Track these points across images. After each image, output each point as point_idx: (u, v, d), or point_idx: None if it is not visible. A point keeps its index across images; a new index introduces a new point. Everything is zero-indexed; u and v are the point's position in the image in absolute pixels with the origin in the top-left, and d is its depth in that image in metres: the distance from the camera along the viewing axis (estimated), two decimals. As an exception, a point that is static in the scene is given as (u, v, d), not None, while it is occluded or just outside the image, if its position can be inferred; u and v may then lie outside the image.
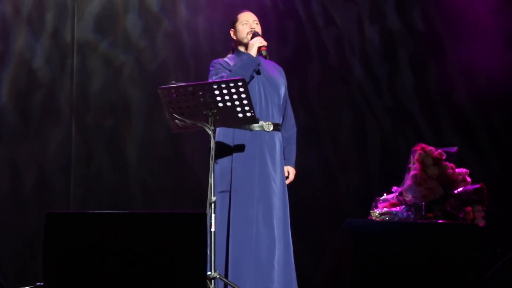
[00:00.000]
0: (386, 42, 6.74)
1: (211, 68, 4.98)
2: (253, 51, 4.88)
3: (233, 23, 5.07)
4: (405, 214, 5.19)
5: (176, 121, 4.61)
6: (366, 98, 6.69)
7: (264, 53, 4.87)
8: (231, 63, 4.95)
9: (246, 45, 4.98)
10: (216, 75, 4.86)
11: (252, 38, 4.94)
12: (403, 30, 6.75)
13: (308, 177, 6.50)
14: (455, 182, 5.24)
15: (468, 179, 5.30)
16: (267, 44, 4.93)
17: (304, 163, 6.40)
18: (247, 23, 5.01)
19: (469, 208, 5.18)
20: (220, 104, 4.57)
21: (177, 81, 4.66)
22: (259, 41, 4.89)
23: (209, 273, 4.40)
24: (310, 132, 6.56)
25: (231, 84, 4.52)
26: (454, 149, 5.41)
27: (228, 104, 4.56)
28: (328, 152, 6.64)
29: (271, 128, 4.94)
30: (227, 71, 4.85)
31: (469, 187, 5.24)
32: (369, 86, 6.70)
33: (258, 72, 4.95)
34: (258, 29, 5.02)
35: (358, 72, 6.69)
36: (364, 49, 6.72)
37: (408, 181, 5.25)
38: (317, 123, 6.64)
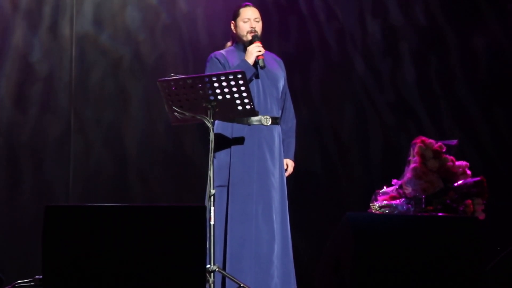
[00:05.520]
0: (387, 37, 6.73)
1: (207, 64, 4.97)
2: (251, 60, 4.86)
3: (234, 16, 5.04)
4: (405, 207, 5.19)
5: (176, 113, 4.61)
6: (368, 92, 6.68)
7: (261, 63, 4.85)
8: (229, 58, 4.93)
9: (245, 42, 4.96)
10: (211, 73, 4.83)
11: (251, 41, 4.91)
12: (404, 25, 6.74)
13: (309, 171, 6.49)
14: (455, 175, 5.24)
15: (468, 172, 5.30)
16: (264, 47, 4.91)
17: (306, 157, 6.39)
18: (248, 21, 4.98)
19: (469, 201, 5.18)
20: (220, 97, 4.56)
21: (176, 73, 4.65)
22: (257, 50, 4.86)
23: (208, 266, 4.40)
24: (312, 127, 6.56)
25: (231, 77, 4.51)
26: (454, 142, 5.41)
27: (228, 96, 4.55)
28: (329, 146, 6.63)
29: (270, 122, 4.93)
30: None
31: (469, 180, 5.24)
32: (370, 80, 6.69)
33: (257, 76, 4.93)
34: (259, 27, 5.00)
35: (359, 66, 6.68)
36: (366, 44, 6.71)
37: (408, 174, 5.24)
38: (319, 118, 6.63)
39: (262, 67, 4.86)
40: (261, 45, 4.89)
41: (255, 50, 4.86)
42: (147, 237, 3.65)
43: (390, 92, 6.72)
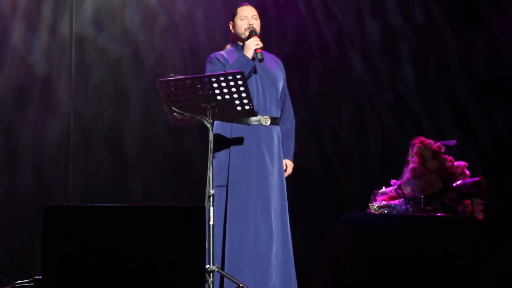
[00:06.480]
0: (386, 37, 6.74)
1: (207, 64, 4.98)
2: (249, 53, 4.87)
3: (232, 16, 5.07)
4: (403, 207, 5.19)
5: (175, 114, 4.61)
6: (367, 92, 6.68)
7: (259, 56, 4.85)
8: (229, 58, 4.94)
9: (243, 41, 4.97)
10: (212, 72, 4.84)
11: (249, 36, 4.92)
12: (403, 25, 6.74)
13: (309, 171, 6.50)
14: (454, 175, 5.24)
15: (467, 172, 5.30)
16: (263, 44, 4.91)
17: (305, 157, 6.39)
18: (246, 18, 5.00)
19: (468, 201, 5.18)
20: (219, 97, 4.56)
21: (175, 74, 4.66)
22: (255, 43, 4.87)
23: (207, 266, 4.40)
24: (311, 127, 6.56)
25: (230, 77, 4.51)
26: (453, 142, 5.41)
27: (227, 97, 4.56)
28: (328, 146, 6.63)
29: (269, 122, 4.93)
30: (224, 71, 4.83)
31: (468, 180, 5.24)
32: (369, 80, 6.69)
33: (255, 71, 4.94)
34: (257, 24, 5.01)
35: (358, 66, 6.69)
36: (364, 44, 6.72)
37: (406, 174, 5.25)
38: (317, 118, 6.63)
39: (260, 60, 4.87)
40: (259, 40, 4.90)
41: (253, 44, 4.87)
42: (147, 237, 3.65)
43: (389, 92, 6.72)
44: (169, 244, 3.65)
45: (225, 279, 4.69)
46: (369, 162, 6.64)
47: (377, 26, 6.74)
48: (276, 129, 4.98)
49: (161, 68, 6.33)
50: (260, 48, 4.87)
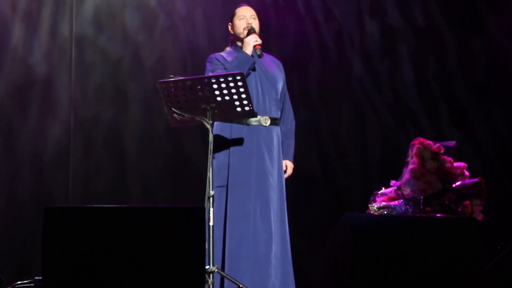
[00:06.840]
0: (386, 37, 6.74)
1: (207, 64, 4.99)
2: (248, 50, 4.88)
3: (231, 17, 5.09)
4: (403, 208, 5.20)
5: (175, 115, 4.62)
6: (366, 93, 6.69)
7: (258, 52, 4.87)
8: (228, 58, 4.95)
9: (242, 40, 4.98)
10: (212, 71, 4.86)
11: (247, 34, 4.94)
12: (403, 25, 6.74)
13: (308, 172, 6.50)
14: (453, 176, 5.24)
15: (467, 173, 5.30)
16: (262, 42, 4.93)
17: (304, 157, 6.40)
18: (244, 18, 5.02)
19: (467, 202, 5.18)
20: (219, 98, 4.57)
21: (175, 75, 4.66)
22: (254, 40, 4.89)
23: (207, 267, 4.41)
24: (311, 127, 6.56)
25: (230, 78, 4.52)
26: (452, 143, 5.41)
27: (227, 98, 4.56)
28: (328, 147, 6.64)
29: (269, 123, 4.94)
30: (223, 69, 4.85)
31: (468, 181, 5.24)
32: (369, 81, 6.69)
33: (254, 69, 4.95)
34: (256, 24, 5.02)
35: (358, 67, 6.69)
36: (364, 44, 6.72)
37: (406, 175, 5.25)
38: (317, 118, 6.64)
39: (259, 56, 4.89)
40: (258, 37, 4.92)
41: (252, 40, 4.89)
42: (147, 238, 3.66)
43: (389, 93, 6.72)
44: (169, 245, 3.66)
45: (225, 280, 4.70)
46: (368, 162, 6.65)
47: (377, 26, 6.74)
48: (276, 130, 4.99)
49: (161, 69, 6.34)
50: (259, 44, 4.89)
